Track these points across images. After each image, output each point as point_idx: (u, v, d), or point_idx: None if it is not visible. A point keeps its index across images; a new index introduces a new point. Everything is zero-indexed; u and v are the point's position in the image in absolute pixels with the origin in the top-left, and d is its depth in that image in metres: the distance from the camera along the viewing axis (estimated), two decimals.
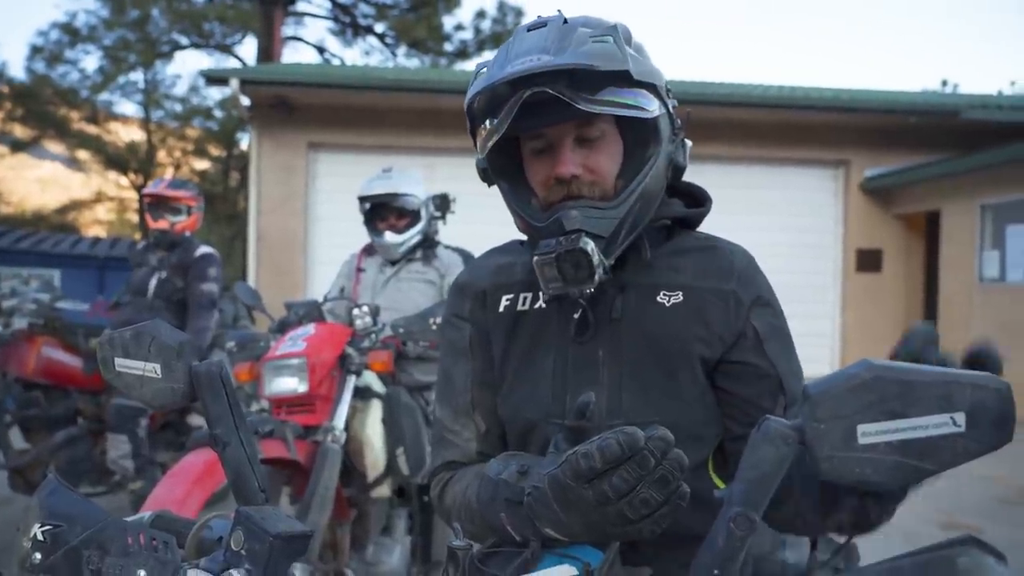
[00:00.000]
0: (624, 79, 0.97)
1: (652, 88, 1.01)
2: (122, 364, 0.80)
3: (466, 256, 3.17)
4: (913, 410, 0.53)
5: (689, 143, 1.13)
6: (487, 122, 1.01)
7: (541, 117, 1.00)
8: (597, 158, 1.03)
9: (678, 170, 1.11)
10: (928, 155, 9.25)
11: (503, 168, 1.10)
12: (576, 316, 1.06)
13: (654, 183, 1.04)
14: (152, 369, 0.78)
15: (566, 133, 1.02)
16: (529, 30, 1.03)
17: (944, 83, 22.48)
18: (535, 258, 0.98)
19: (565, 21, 1.01)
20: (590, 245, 0.96)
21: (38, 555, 0.70)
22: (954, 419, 0.52)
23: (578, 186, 1.02)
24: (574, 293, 1.00)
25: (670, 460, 0.73)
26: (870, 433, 0.53)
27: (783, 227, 9.35)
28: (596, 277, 0.96)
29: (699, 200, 1.18)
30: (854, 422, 0.54)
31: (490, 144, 1.01)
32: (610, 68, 0.95)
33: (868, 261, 9.61)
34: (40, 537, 0.70)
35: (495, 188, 1.12)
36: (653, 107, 1.01)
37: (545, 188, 1.05)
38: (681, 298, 1.05)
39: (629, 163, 1.05)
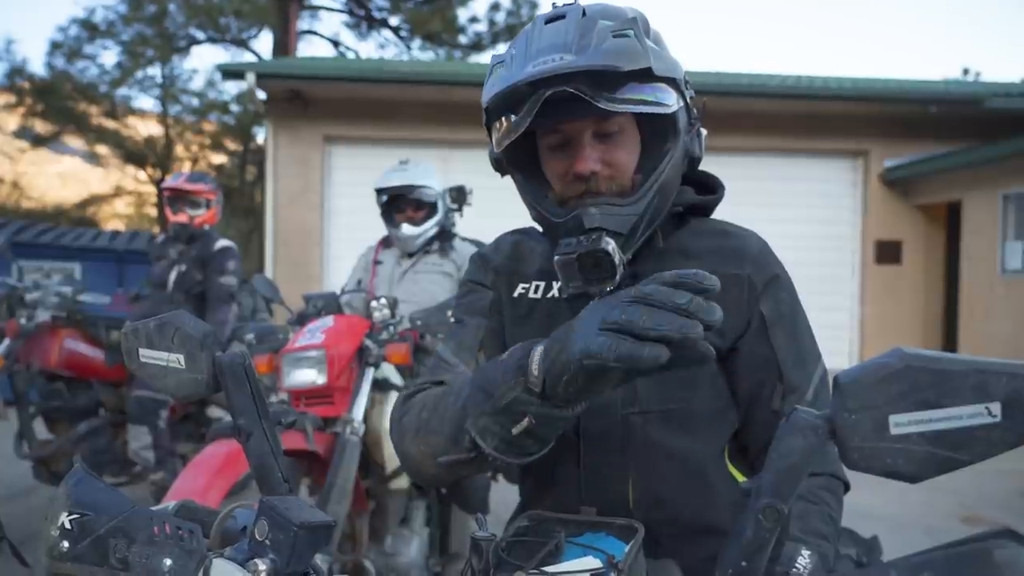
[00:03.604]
0: (645, 75, 0.97)
1: (672, 82, 1.01)
2: (146, 355, 0.81)
3: None
4: (947, 400, 0.52)
5: (704, 132, 1.12)
6: (504, 118, 1.01)
7: (560, 113, 0.99)
8: (616, 153, 1.03)
9: (694, 161, 1.11)
10: (949, 144, 9.12)
11: (518, 160, 1.09)
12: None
13: (671, 176, 1.04)
14: (176, 360, 0.79)
15: (584, 128, 1.02)
16: (547, 22, 1.01)
17: (966, 71, 22.21)
18: (556, 258, 0.97)
19: (584, 13, 0.99)
20: (611, 245, 0.95)
21: (66, 543, 0.71)
22: (989, 409, 0.51)
23: (596, 182, 1.01)
24: (594, 292, 0.99)
25: (698, 304, 0.72)
26: (902, 423, 0.52)
27: (801, 219, 9.27)
28: (617, 276, 0.96)
29: (711, 187, 1.18)
30: (886, 412, 0.53)
31: (507, 142, 1.01)
32: (632, 68, 0.94)
33: (888, 253, 9.50)
34: (68, 526, 0.71)
35: (510, 180, 1.11)
36: (672, 101, 1.00)
37: (563, 183, 1.05)
38: None
39: (647, 157, 1.04)
